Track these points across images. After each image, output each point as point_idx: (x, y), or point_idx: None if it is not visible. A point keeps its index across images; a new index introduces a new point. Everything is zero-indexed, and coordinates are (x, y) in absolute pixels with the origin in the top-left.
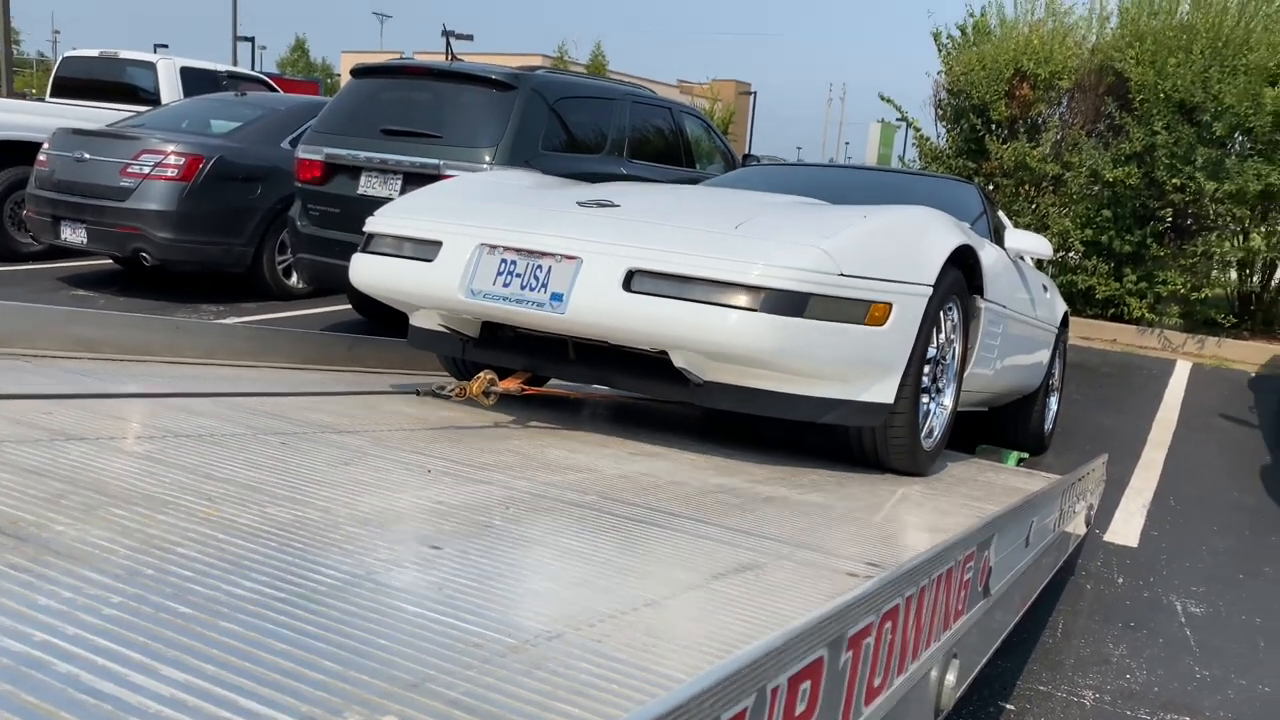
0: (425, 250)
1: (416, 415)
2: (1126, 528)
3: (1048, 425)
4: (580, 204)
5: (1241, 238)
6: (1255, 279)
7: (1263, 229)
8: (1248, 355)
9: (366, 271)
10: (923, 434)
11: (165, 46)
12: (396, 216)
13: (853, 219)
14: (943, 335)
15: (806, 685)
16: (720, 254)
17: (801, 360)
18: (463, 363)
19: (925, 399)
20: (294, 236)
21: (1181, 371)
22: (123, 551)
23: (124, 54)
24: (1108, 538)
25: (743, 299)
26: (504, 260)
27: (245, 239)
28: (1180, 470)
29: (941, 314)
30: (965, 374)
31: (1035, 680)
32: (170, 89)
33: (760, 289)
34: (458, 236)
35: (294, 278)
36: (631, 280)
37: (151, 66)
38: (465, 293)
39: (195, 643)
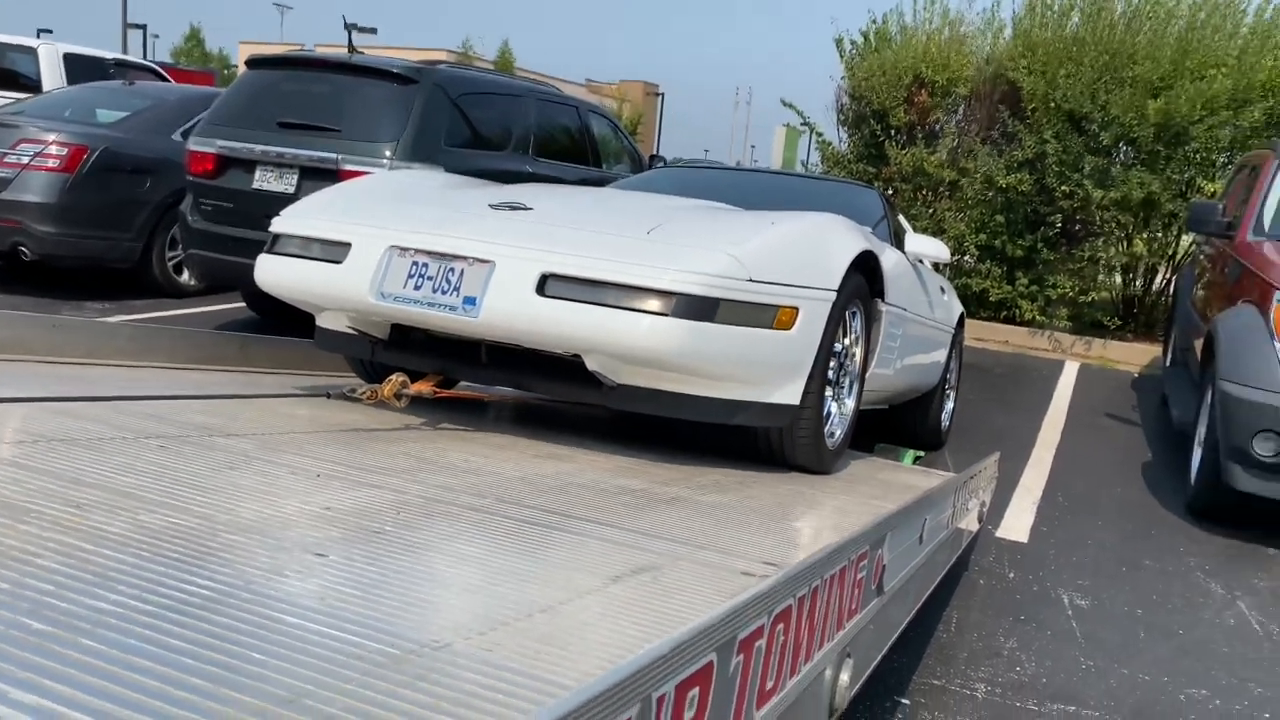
0: (333, 251)
1: (309, 417)
2: (1017, 524)
3: (945, 421)
4: (492, 206)
5: (1126, 243)
6: (1138, 283)
7: (1145, 235)
8: (1131, 356)
9: (272, 273)
10: (826, 433)
11: (49, 32)
12: (303, 216)
13: (761, 225)
14: (846, 338)
15: (695, 691)
16: (633, 259)
17: (712, 363)
18: (372, 365)
19: (829, 399)
20: (185, 232)
21: (1070, 372)
22: None
23: (2, 38)
24: (1000, 534)
25: (655, 304)
26: (415, 263)
27: (133, 234)
28: (1068, 468)
29: (845, 317)
30: (867, 374)
31: (930, 674)
32: (52, 76)
33: (672, 294)
34: (367, 238)
35: (185, 274)
36: (545, 284)
37: (32, 52)
38: (375, 295)
39: (50, 662)
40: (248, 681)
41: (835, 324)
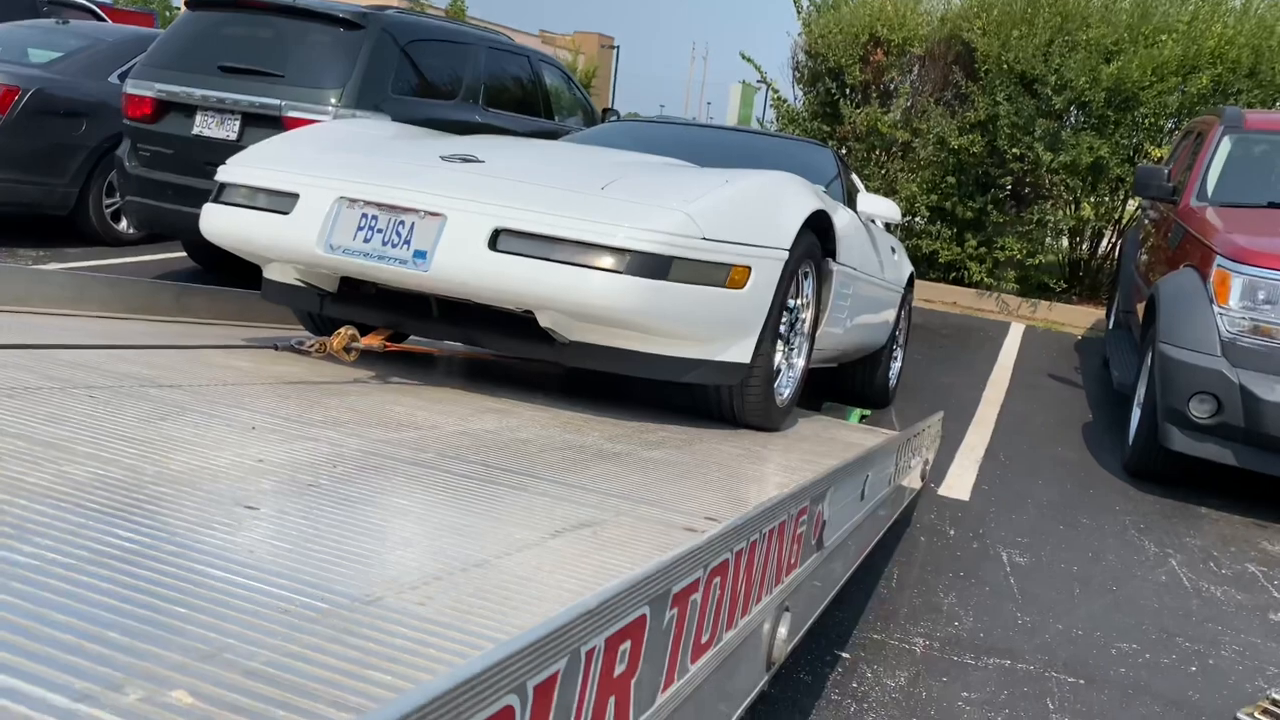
0: (281, 202)
1: (249, 369)
2: (959, 482)
3: (892, 380)
4: (444, 158)
5: (1073, 207)
6: (1084, 246)
7: (1092, 199)
8: (1075, 319)
9: (218, 223)
10: (776, 391)
11: None
12: (250, 165)
13: (715, 183)
14: (798, 297)
15: (626, 645)
16: (586, 215)
17: (664, 321)
18: (320, 318)
19: (779, 358)
20: (122, 178)
21: (1015, 333)
22: None
23: None
24: (942, 491)
25: (608, 261)
26: (365, 215)
27: (68, 179)
28: (1011, 427)
29: (797, 276)
30: (817, 333)
31: (870, 629)
32: None
33: (625, 251)
34: (316, 189)
35: (123, 222)
36: (497, 239)
37: None
38: (323, 247)
39: None
40: (167, 635)
41: (787, 283)
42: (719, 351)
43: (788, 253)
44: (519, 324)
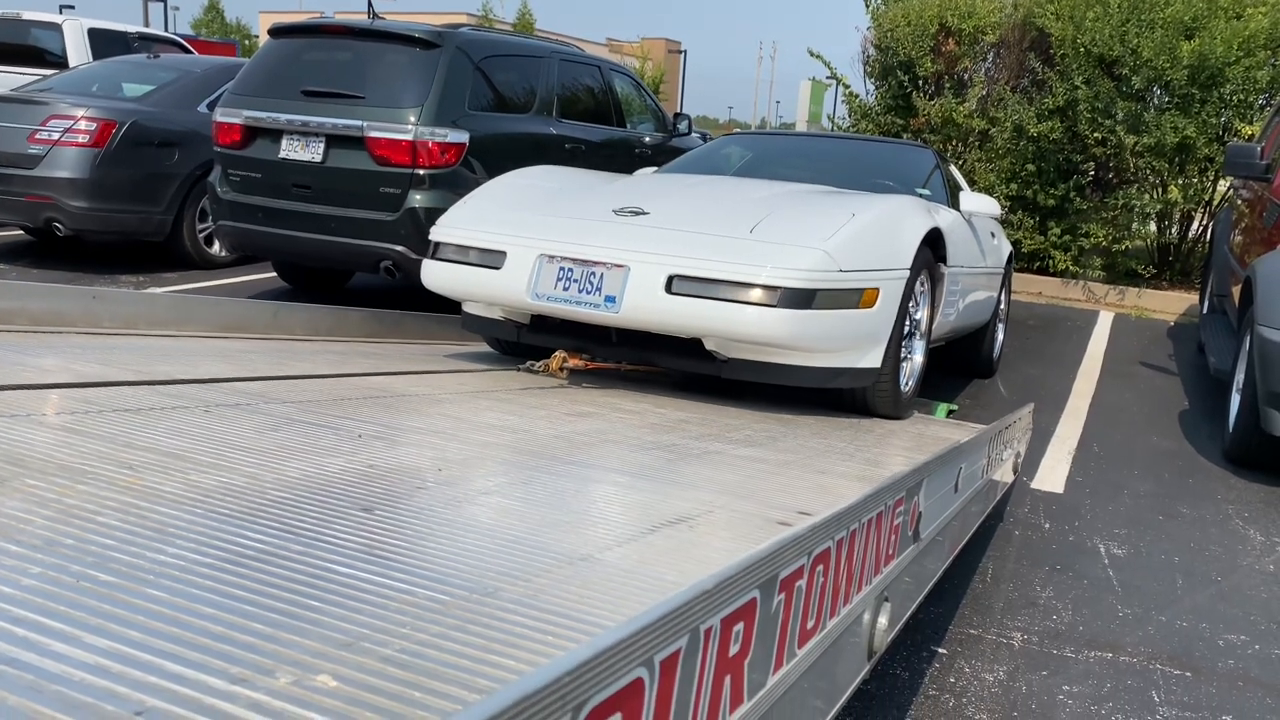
0: (491, 259)
1: (351, 382)
2: (1052, 475)
3: (996, 352)
4: (616, 212)
5: (1160, 190)
6: (1173, 230)
7: (1180, 181)
8: (1167, 305)
9: (438, 276)
10: (901, 384)
11: (71, 7)
12: (457, 227)
13: (845, 217)
14: (916, 303)
15: (740, 626)
16: (742, 259)
17: (809, 341)
18: (514, 344)
19: (902, 356)
20: (215, 203)
21: (1104, 322)
22: (40, 522)
23: (27, 15)
24: (1035, 485)
25: (763, 296)
26: (562, 268)
27: (164, 207)
28: (1104, 417)
29: (915, 286)
30: (932, 326)
31: (966, 624)
32: (78, 51)
33: (776, 288)
34: (520, 248)
35: (216, 246)
36: (672, 283)
37: (57, 28)
38: (531, 295)
39: (119, 610)
40: (307, 626)
41: (909, 295)
42: (856, 360)
43: (909, 270)
44: (685, 346)
